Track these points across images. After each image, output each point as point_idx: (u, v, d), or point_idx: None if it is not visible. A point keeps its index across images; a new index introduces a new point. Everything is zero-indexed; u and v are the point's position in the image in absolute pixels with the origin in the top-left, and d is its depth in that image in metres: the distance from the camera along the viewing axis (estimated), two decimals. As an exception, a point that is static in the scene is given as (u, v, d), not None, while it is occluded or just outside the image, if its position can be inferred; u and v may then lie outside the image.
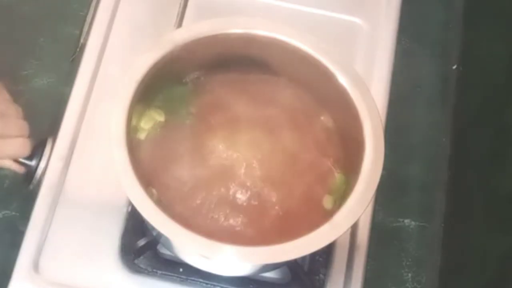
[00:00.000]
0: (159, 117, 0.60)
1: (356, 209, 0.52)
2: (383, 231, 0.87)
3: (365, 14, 0.81)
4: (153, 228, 0.52)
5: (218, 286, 0.68)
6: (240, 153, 0.59)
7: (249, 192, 0.58)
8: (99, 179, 0.71)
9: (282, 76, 0.62)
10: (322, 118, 0.62)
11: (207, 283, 0.68)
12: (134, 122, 0.56)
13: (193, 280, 0.68)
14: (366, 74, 0.76)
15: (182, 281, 0.68)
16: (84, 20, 0.81)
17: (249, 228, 0.57)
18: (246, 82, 0.62)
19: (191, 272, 0.67)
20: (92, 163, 0.72)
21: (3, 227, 0.86)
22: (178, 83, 0.61)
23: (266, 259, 0.51)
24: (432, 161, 0.93)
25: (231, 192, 0.58)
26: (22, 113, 0.62)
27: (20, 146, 0.61)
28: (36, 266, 0.68)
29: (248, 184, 0.58)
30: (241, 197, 0.58)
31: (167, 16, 0.80)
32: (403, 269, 0.87)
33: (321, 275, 0.69)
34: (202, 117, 0.61)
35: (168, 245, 0.65)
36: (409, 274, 0.87)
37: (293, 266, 0.68)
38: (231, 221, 0.57)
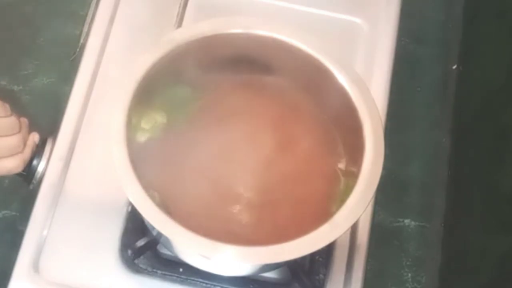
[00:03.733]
0: (161, 118, 0.60)
1: (356, 209, 0.52)
2: (383, 231, 0.87)
3: (365, 14, 0.81)
4: (153, 228, 0.52)
5: (218, 286, 0.68)
6: (242, 154, 0.59)
7: (251, 194, 0.58)
8: (99, 179, 0.71)
9: (282, 76, 0.62)
10: (322, 118, 0.61)
11: (207, 283, 0.68)
12: (134, 122, 0.56)
13: (193, 280, 0.68)
14: (366, 74, 0.76)
15: (182, 281, 0.68)
16: (84, 20, 0.81)
17: (250, 228, 0.57)
18: (245, 82, 0.62)
19: (191, 272, 0.68)
20: (92, 163, 0.72)
21: (3, 227, 0.87)
22: (179, 83, 0.61)
23: (266, 259, 0.51)
24: (432, 161, 0.93)
25: (232, 193, 0.58)
26: (18, 125, 0.61)
27: (12, 166, 0.61)
28: (36, 266, 0.68)
29: (250, 185, 0.58)
30: (242, 198, 0.58)
31: (167, 16, 0.80)
32: (403, 269, 0.87)
33: (321, 275, 0.69)
34: (203, 118, 0.61)
35: (168, 245, 0.65)
36: (409, 274, 0.87)
37: (293, 266, 0.68)
38: (232, 221, 0.57)
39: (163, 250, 0.69)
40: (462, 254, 0.84)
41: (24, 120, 0.63)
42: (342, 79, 0.57)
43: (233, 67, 0.61)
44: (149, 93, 0.57)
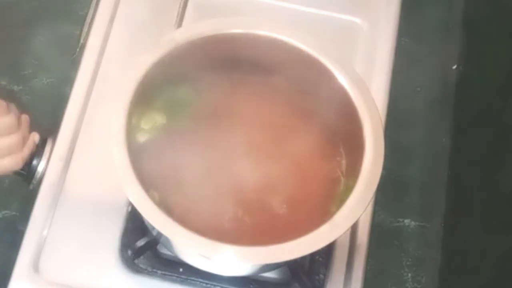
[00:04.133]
0: (161, 118, 0.60)
1: (356, 209, 0.52)
2: (383, 231, 0.87)
3: (365, 14, 0.81)
4: (153, 228, 0.52)
5: (218, 286, 0.68)
6: (241, 154, 0.59)
7: (250, 194, 0.58)
8: (99, 179, 0.71)
9: (282, 76, 0.62)
10: (322, 118, 0.61)
11: (207, 283, 0.68)
12: (134, 122, 0.56)
13: (193, 280, 0.68)
14: (366, 74, 0.76)
15: (182, 281, 0.68)
16: (84, 20, 0.81)
17: (250, 228, 0.57)
18: (246, 82, 0.62)
19: (191, 272, 0.67)
20: (92, 163, 0.72)
21: (3, 227, 0.87)
22: (179, 83, 0.61)
23: (266, 259, 0.51)
24: (432, 161, 0.93)
25: (232, 193, 0.58)
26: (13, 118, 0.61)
27: (10, 165, 0.61)
28: (36, 266, 0.68)
29: (250, 185, 0.58)
30: (242, 198, 0.58)
31: (167, 16, 0.80)
32: (403, 269, 0.87)
33: (321, 275, 0.69)
34: (203, 118, 0.61)
35: (168, 245, 0.65)
36: (409, 274, 0.87)
37: (293, 266, 0.68)
38: (232, 221, 0.57)
39: (163, 250, 0.69)
40: (462, 254, 0.84)
41: (26, 118, 0.63)
42: (342, 79, 0.57)
43: (233, 67, 0.61)
44: (149, 93, 0.57)
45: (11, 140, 0.60)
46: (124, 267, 0.68)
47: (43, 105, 0.93)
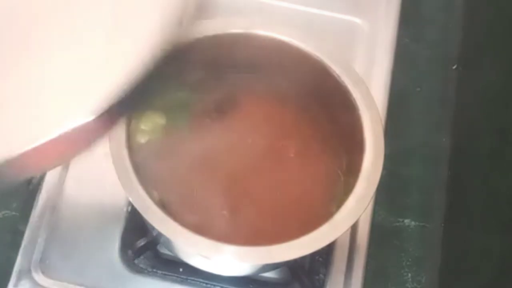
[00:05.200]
0: (160, 119, 0.60)
1: (356, 209, 0.52)
2: (383, 231, 0.87)
3: (365, 14, 0.81)
4: (153, 228, 0.52)
5: (218, 286, 0.68)
6: (241, 154, 0.59)
7: (251, 194, 0.58)
8: (99, 179, 0.71)
9: (282, 76, 0.62)
10: (322, 118, 0.61)
11: (207, 283, 0.68)
12: (134, 123, 0.56)
13: (193, 280, 0.68)
14: (366, 74, 0.76)
15: (182, 281, 0.68)
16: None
17: (250, 229, 0.57)
18: (246, 82, 0.62)
19: (191, 272, 0.67)
20: (93, 163, 0.72)
21: (3, 227, 0.87)
22: (179, 84, 0.61)
23: (266, 259, 0.51)
24: (432, 161, 0.93)
25: (233, 194, 0.58)
26: None
27: None
28: (36, 266, 0.68)
29: (250, 185, 0.58)
30: (243, 199, 0.58)
31: (167, 16, 0.79)
32: (403, 269, 0.87)
33: (321, 275, 0.69)
34: (203, 119, 0.61)
35: (168, 245, 0.65)
36: (409, 274, 0.87)
37: (293, 266, 0.68)
38: (232, 221, 0.57)
39: (163, 250, 0.69)
40: (462, 254, 0.83)
41: None
42: (342, 79, 0.57)
43: (233, 67, 0.61)
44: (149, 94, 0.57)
45: None
46: (124, 267, 0.68)
47: (43, 105, 0.92)
